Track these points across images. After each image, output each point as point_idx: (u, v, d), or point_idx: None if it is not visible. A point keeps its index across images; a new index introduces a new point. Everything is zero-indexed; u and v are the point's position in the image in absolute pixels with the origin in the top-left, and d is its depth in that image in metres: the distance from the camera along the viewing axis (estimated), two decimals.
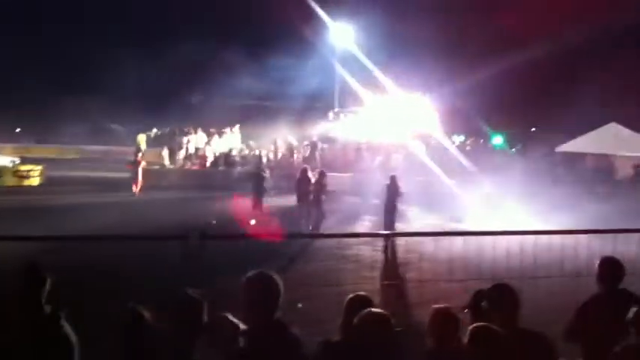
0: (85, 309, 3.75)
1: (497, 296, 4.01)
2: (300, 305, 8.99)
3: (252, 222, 15.53)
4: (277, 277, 3.70)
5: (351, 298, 4.33)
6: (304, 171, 17.12)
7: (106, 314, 3.84)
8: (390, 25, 37.12)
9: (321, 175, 17.01)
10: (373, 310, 3.71)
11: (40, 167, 27.40)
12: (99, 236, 10.10)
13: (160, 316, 3.65)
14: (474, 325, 3.69)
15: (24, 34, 45.83)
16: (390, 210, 15.40)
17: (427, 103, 30.94)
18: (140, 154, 23.93)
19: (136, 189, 22.77)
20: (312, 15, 33.78)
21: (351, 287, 9.46)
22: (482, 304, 4.09)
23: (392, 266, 12.38)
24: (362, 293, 4.45)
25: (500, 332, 3.55)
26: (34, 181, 26.70)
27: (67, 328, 3.44)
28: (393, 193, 15.54)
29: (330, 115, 34.37)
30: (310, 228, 15.91)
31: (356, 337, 3.57)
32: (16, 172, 26.73)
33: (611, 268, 4.59)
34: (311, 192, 16.41)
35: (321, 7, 33.82)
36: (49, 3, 49.27)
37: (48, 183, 26.41)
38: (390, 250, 13.43)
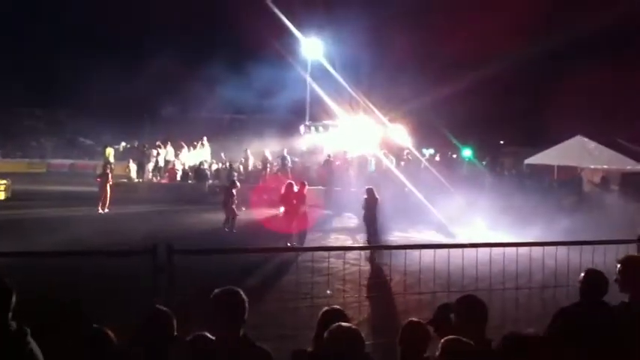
0: (48, 327, 3.65)
1: (465, 308, 4.03)
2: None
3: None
4: (242, 293, 3.71)
5: (325, 311, 4.37)
6: (290, 185, 16.90)
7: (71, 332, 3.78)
8: (361, 40, 37.46)
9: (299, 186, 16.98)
10: (343, 324, 3.71)
11: (5, 181, 26.91)
12: (65, 252, 9.92)
13: (128, 331, 3.61)
14: (445, 338, 3.70)
15: None
16: (371, 221, 15.80)
17: (397, 117, 31.21)
18: (109, 168, 23.17)
19: (101, 208, 21.92)
20: (284, 29, 33.92)
21: (324, 300, 9.51)
22: (450, 316, 4.11)
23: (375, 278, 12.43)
24: (336, 307, 4.48)
25: (471, 345, 3.56)
26: (0, 195, 26.21)
27: (34, 345, 3.36)
28: (371, 205, 15.83)
29: (302, 128, 34.41)
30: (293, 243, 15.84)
31: (327, 351, 3.57)
32: None
33: (595, 280, 4.59)
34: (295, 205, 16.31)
35: (293, 22, 33.98)
36: (19, 15, 48.70)
37: (14, 197, 25.96)
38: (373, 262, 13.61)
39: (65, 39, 50.37)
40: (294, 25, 34.34)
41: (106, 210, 21.81)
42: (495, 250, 6.89)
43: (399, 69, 36.76)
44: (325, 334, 3.61)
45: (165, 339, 3.54)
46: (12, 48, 46.07)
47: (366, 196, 16.12)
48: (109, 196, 22.14)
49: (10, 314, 3.29)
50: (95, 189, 22.89)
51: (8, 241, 14.45)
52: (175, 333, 3.60)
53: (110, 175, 22.73)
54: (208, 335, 3.65)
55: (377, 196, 16.10)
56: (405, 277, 10.43)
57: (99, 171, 24.10)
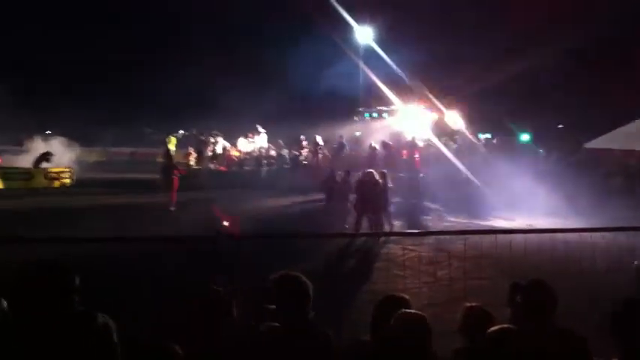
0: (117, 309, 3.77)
1: (533, 292, 3.90)
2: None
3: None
4: (303, 278, 3.70)
5: (385, 298, 4.33)
6: (370, 174, 15.57)
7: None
8: (415, 24, 37.01)
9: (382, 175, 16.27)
10: (409, 310, 3.71)
11: (70, 169, 27.85)
12: (130, 237, 10.27)
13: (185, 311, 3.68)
14: (491, 329, 3.68)
15: (56, 35, 46.42)
16: (375, 206, 15.19)
17: (453, 102, 30.78)
18: (172, 158, 21.91)
19: (172, 204, 19.47)
20: (337, 15, 33.81)
21: (381, 286, 9.54)
22: (517, 298, 4.01)
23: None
24: (394, 293, 4.46)
25: (518, 332, 3.51)
26: (66, 182, 27.16)
27: (104, 325, 3.49)
28: (372, 188, 15.18)
29: (355, 114, 34.33)
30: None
31: (391, 337, 3.57)
32: (47, 174, 27.21)
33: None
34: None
35: (346, 8, 33.85)
36: (80, 7, 49.88)
37: (78, 184, 26.82)
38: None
39: (121, 32, 51.46)
40: (347, 12, 34.24)
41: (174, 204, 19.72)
42: (556, 235, 6.79)
43: (455, 53, 36.15)
44: (392, 321, 3.60)
45: (219, 316, 3.58)
46: (75, 37, 47.30)
47: (362, 179, 15.41)
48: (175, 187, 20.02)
49: (76, 296, 3.44)
50: (157, 176, 21.96)
51: (72, 227, 15.02)
52: (235, 314, 3.63)
53: (177, 167, 21.05)
54: (275, 323, 3.67)
55: (378, 179, 15.19)
56: (464, 262, 10.39)
57: (161, 159, 24.01)
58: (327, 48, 37.56)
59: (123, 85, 49.26)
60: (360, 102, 36.11)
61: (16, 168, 27.84)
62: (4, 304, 3.62)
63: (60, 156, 29.90)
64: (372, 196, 14.94)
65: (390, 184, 16.10)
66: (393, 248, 13.17)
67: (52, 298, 3.38)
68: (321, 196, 18.19)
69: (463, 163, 22.80)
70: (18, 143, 33.91)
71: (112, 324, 3.50)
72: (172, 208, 19.13)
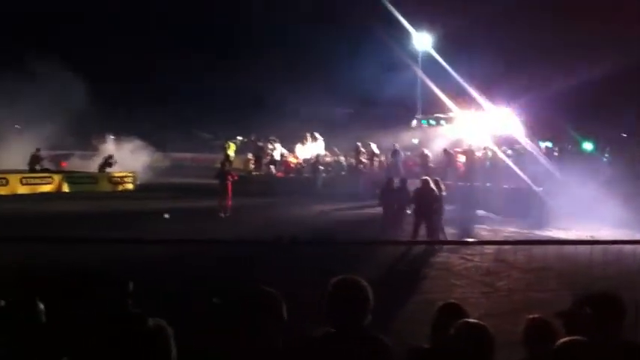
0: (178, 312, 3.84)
1: (603, 305, 3.75)
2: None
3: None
4: (364, 282, 3.68)
5: (442, 306, 4.28)
6: (426, 182, 15.46)
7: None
8: (473, 30, 36.55)
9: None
10: (471, 320, 3.65)
11: (133, 173, 28.66)
12: (190, 240, 10.46)
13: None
14: (561, 340, 3.58)
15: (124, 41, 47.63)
16: (428, 214, 14.96)
17: (512, 109, 30.23)
18: (228, 164, 22.12)
19: (224, 211, 19.25)
20: (395, 22, 33.75)
21: (437, 295, 9.45)
22: (587, 310, 3.86)
23: None
24: (453, 301, 4.41)
25: (587, 345, 3.41)
26: (128, 186, 27.96)
27: (157, 328, 3.56)
28: (426, 197, 15.01)
29: (413, 122, 34.13)
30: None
31: (452, 346, 3.52)
32: (111, 179, 28.07)
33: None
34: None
35: (403, 14, 33.76)
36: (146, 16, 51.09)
37: (141, 189, 27.55)
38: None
39: (180, 37, 52.54)
40: (406, 19, 34.13)
41: (229, 210, 19.41)
42: (625, 246, 6.57)
43: (514, 60, 35.50)
44: (453, 330, 3.56)
45: (266, 317, 3.57)
46: (135, 48, 48.50)
47: (419, 187, 15.29)
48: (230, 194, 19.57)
49: (130, 300, 3.54)
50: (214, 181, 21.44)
51: (134, 230, 15.42)
52: (284, 317, 3.61)
53: (232, 173, 20.77)
54: (332, 328, 3.65)
55: (433, 188, 15.04)
56: (525, 274, 10.21)
57: (219, 165, 24.17)
58: (384, 55, 37.58)
59: (184, 91, 50.30)
60: (417, 109, 35.89)
61: (81, 172, 28.83)
62: (41, 306, 3.71)
63: (131, 160, 30.94)
64: (427, 204, 14.82)
65: (443, 192, 15.89)
66: (451, 257, 13.02)
67: (106, 301, 3.48)
68: (377, 203, 18.12)
69: (523, 172, 22.34)
70: (91, 147, 35.06)
71: (166, 327, 3.57)
72: (227, 214, 19.08)
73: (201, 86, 50.53)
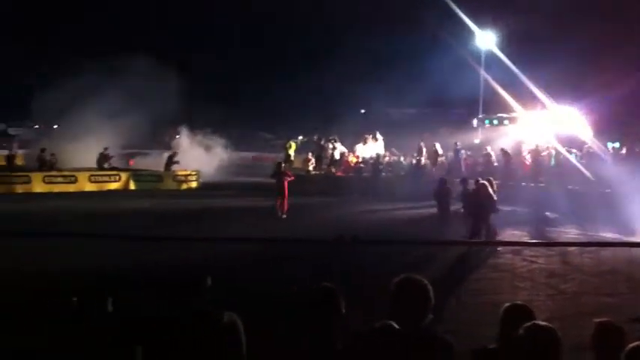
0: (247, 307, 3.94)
1: None
2: None
3: None
4: (426, 281, 3.69)
5: (509, 308, 4.24)
6: (483, 186, 15.26)
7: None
8: (539, 28, 35.73)
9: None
10: (540, 322, 3.61)
11: (197, 172, 29.29)
12: (251, 238, 10.71)
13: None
14: (631, 345, 3.50)
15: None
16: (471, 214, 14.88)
17: (577, 109, 29.39)
18: (283, 165, 21.24)
19: (281, 211, 19.01)
20: (456, 21, 33.34)
21: (499, 297, 9.32)
22: None
23: None
24: (520, 303, 4.35)
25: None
26: (192, 184, 28.61)
27: (231, 322, 3.65)
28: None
29: (475, 121, 33.65)
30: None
31: (519, 348, 3.49)
32: (175, 177, 28.77)
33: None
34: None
35: (466, 13, 33.30)
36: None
37: (204, 187, 28.12)
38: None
39: (244, 37, 53.26)
40: (469, 17, 33.66)
41: (285, 212, 19.08)
42: None
43: (579, 59, 34.46)
44: (521, 331, 3.53)
45: (330, 312, 3.60)
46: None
47: (473, 188, 15.26)
48: (287, 194, 19.26)
49: (208, 294, 3.65)
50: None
51: (196, 227, 15.79)
52: (343, 311, 3.64)
53: (288, 173, 20.27)
54: (394, 325, 3.68)
55: (487, 189, 14.83)
56: (591, 277, 9.96)
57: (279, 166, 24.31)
58: (447, 54, 37.13)
59: (247, 92, 51.00)
60: (480, 109, 35.34)
61: (147, 170, 29.65)
62: (109, 305, 3.84)
63: (206, 157, 31.64)
64: (481, 205, 14.68)
65: (493, 193, 15.62)
66: (513, 259, 12.81)
67: (187, 296, 3.61)
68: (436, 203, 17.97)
69: (589, 173, 21.72)
70: (163, 145, 35.97)
71: (238, 321, 3.67)
72: (284, 215, 18.85)
73: (263, 86, 51.18)
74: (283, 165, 20.70)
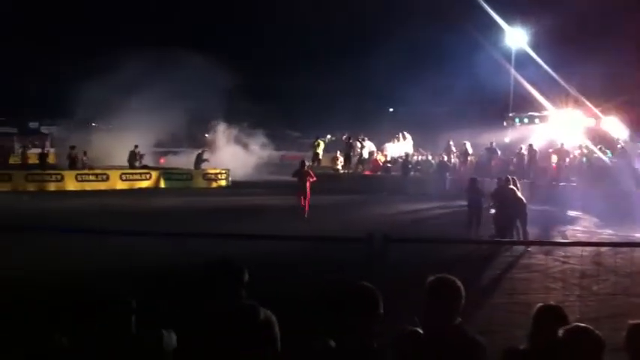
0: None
1: None
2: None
3: None
4: (459, 283, 3.72)
5: (542, 308, 4.24)
6: (507, 182, 15.39)
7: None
8: (571, 25, 35.22)
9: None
10: (581, 324, 3.61)
11: (226, 170, 29.57)
12: (282, 236, 10.76)
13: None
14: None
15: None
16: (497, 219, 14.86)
17: (612, 108, 28.95)
18: (307, 165, 20.51)
19: (303, 212, 18.72)
20: (486, 18, 33.09)
21: (528, 297, 9.27)
22: None
23: None
24: (552, 304, 4.35)
25: None
26: (222, 183, 28.89)
27: (267, 316, 3.71)
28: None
29: (505, 120, 33.36)
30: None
31: (560, 350, 3.48)
32: (205, 175, 29.08)
33: None
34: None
35: (496, 11, 33.04)
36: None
37: (234, 185, 28.36)
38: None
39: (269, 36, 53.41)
40: (499, 14, 33.40)
41: (307, 213, 18.79)
42: None
43: (616, 54, 33.86)
44: (561, 334, 3.52)
45: (372, 313, 3.62)
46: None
47: (499, 186, 15.24)
48: (308, 195, 18.98)
49: (244, 290, 3.71)
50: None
51: (226, 224, 15.93)
52: (381, 310, 3.67)
53: (311, 174, 19.65)
54: (427, 324, 3.70)
55: (514, 187, 14.88)
56: (623, 277, 9.82)
57: (307, 163, 24.00)
58: (476, 51, 36.87)
59: (275, 89, 51.16)
60: (510, 107, 35.00)
61: (178, 169, 30.01)
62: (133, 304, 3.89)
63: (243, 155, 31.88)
64: (511, 204, 14.60)
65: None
66: (544, 259, 12.68)
67: (224, 292, 3.68)
68: (466, 202, 17.87)
69: (622, 173, 21.40)
70: (199, 143, 36.26)
71: (274, 318, 3.73)
72: (306, 215, 18.55)
73: (291, 84, 51.30)
74: (307, 165, 20.19)
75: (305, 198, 18.79)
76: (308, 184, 18.88)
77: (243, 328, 3.62)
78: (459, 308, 3.68)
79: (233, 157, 32.68)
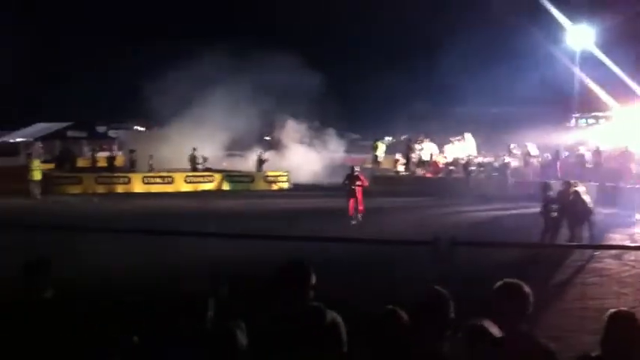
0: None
1: None
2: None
3: None
4: (527, 288, 3.72)
5: (614, 315, 4.19)
6: (567, 185, 14.94)
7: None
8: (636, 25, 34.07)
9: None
10: None
11: (287, 173, 29.91)
12: (346, 238, 10.91)
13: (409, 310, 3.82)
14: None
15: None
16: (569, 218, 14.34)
17: None
18: (356, 170, 19.50)
19: (355, 216, 18.22)
20: (549, 18, 32.43)
21: (596, 303, 9.08)
22: None
23: None
24: (624, 309, 4.30)
25: None
26: (283, 185, 29.25)
27: (333, 319, 3.80)
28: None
29: (571, 121, 32.59)
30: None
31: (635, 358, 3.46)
32: (266, 178, 29.51)
33: None
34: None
35: (559, 9, 32.34)
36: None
37: (295, 188, 28.65)
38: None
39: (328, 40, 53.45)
40: (562, 12, 32.67)
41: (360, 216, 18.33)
42: None
43: None
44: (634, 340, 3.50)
45: (443, 319, 3.65)
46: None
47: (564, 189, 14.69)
48: (360, 198, 18.46)
49: (312, 292, 3.81)
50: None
51: (291, 226, 16.17)
52: (453, 316, 3.69)
53: (362, 178, 19.02)
54: (495, 329, 3.72)
55: (577, 190, 14.46)
56: None
57: (369, 165, 24.26)
58: (540, 51, 36.14)
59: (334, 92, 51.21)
60: (574, 107, 34.15)
61: (239, 171, 30.54)
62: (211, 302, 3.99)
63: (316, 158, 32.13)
64: (570, 207, 14.27)
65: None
66: (611, 263, 12.39)
67: (291, 293, 3.79)
68: (527, 204, 17.55)
69: None
70: (267, 143, 36.69)
71: (340, 320, 3.82)
72: (358, 220, 18.05)
73: (350, 86, 51.30)
74: (356, 170, 19.39)
75: (357, 201, 18.36)
76: (359, 188, 18.45)
77: (310, 329, 3.69)
78: (527, 313, 3.69)
79: (300, 156, 32.82)
